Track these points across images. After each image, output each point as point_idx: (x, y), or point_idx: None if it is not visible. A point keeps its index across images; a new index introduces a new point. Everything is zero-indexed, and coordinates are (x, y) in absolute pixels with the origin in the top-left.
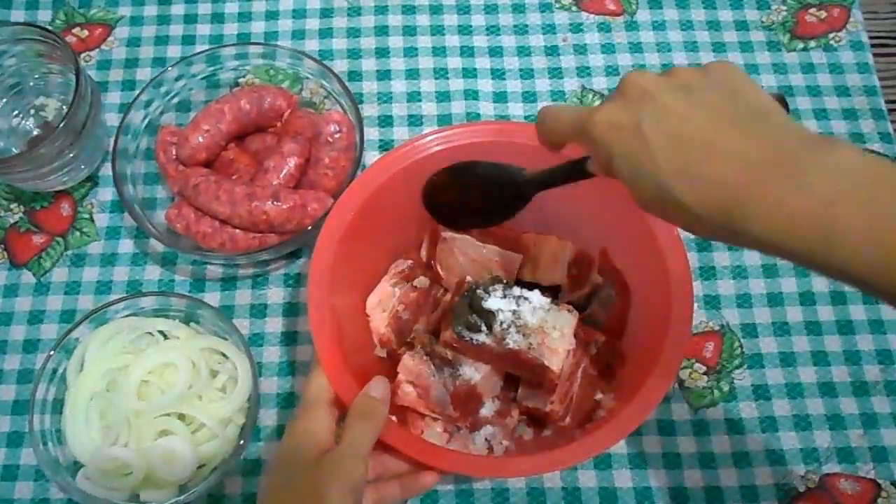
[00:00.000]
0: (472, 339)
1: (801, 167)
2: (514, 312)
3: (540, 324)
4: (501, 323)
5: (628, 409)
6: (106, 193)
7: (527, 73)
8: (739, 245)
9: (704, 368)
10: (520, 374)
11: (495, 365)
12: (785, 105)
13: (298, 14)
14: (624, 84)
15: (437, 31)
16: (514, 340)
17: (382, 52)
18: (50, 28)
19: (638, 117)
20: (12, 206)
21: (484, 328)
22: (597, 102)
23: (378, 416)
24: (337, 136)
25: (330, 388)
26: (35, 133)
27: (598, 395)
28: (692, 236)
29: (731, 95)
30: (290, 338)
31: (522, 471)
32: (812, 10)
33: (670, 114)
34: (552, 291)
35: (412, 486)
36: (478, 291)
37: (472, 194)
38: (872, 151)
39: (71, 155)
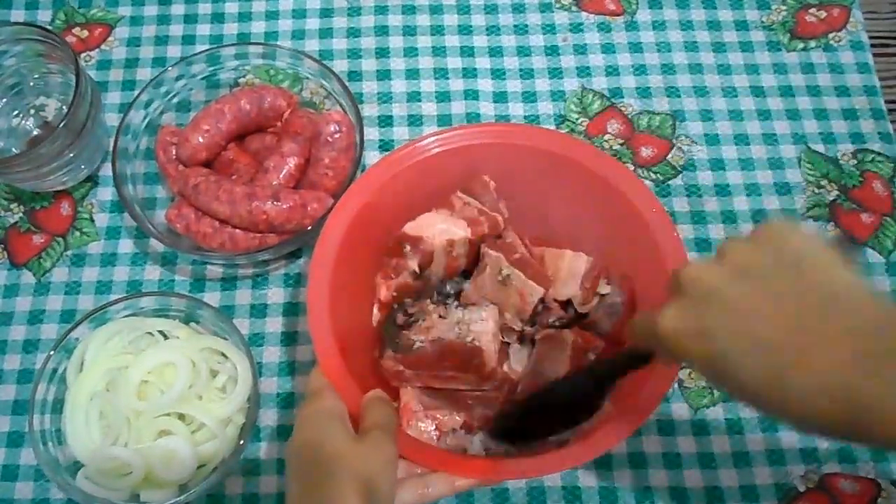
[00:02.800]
0: (410, 347)
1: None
2: (439, 315)
3: (463, 316)
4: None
5: (628, 411)
6: (106, 193)
7: (527, 73)
8: (866, 445)
9: None
10: (460, 369)
11: (436, 371)
12: (847, 244)
13: (298, 14)
14: (682, 282)
15: (437, 31)
16: (442, 332)
17: (382, 52)
18: (50, 28)
19: (707, 323)
20: (12, 206)
21: (416, 339)
22: (597, 103)
23: (391, 403)
24: (337, 136)
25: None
26: (35, 133)
27: None
28: (691, 235)
29: (796, 274)
30: (290, 338)
31: (521, 473)
32: (812, 10)
33: (738, 314)
34: (565, 303)
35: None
36: (398, 313)
37: (551, 421)
38: (872, 152)
39: (71, 155)
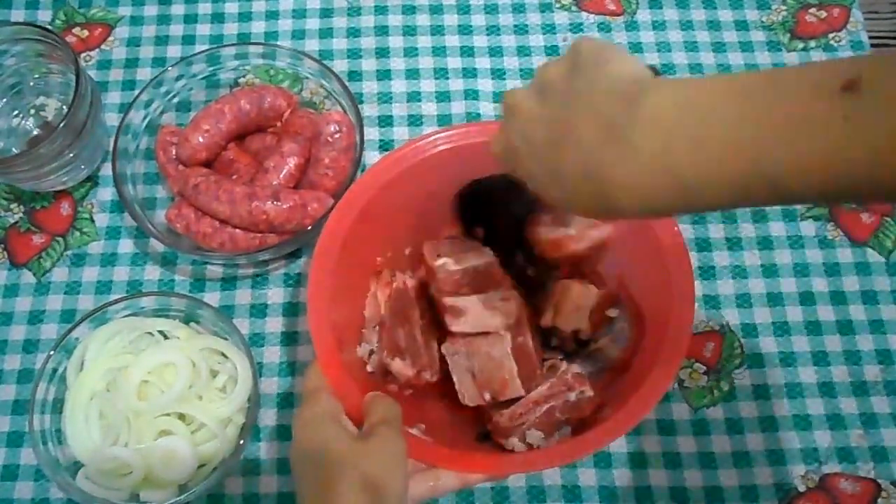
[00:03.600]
0: None
1: (623, 134)
2: None
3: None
4: None
5: (627, 407)
6: (106, 193)
7: (527, 73)
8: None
9: (704, 368)
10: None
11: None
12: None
13: (298, 14)
14: (502, 107)
15: (437, 31)
16: None
17: (382, 52)
18: (50, 28)
19: (510, 139)
20: (12, 206)
21: None
22: None
23: (395, 400)
24: (337, 136)
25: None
26: (35, 133)
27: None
28: (691, 236)
29: (576, 76)
30: (290, 338)
31: (518, 467)
32: (812, 10)
33: (527, 122)
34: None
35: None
36: None
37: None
38: None
39: (71, 155)
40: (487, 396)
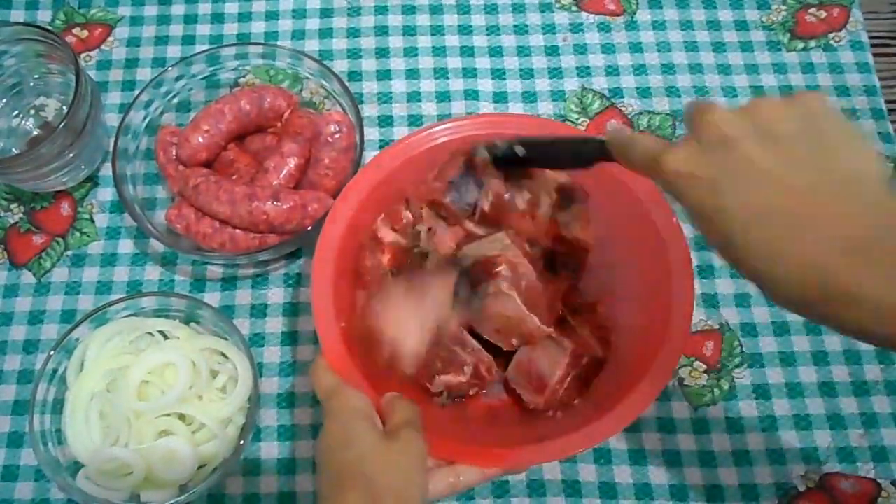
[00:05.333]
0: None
1: (876, 259)
2: None
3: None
4: None
5: (625, 404)
6: (106, 193)
7: (527, 73)
8: (834, 329)
9: (704, 367)
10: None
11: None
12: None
13: (298, 14)
14: (701, 123)
15: (437, 31)
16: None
17: (382, 52)
18: (50, 28)
19: (715, 172)
20: (12, 206)
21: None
22: (597, 103)
23: (412, 401)
24: (337, 136)
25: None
26: (35, 133)
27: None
28: (690, 235)
29: (824, 150)
30: (290, 338)
31: (537, 458)
32: (812, 10)
33: (753, 173)
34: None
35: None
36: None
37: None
38: None
39: (71, 155)
40: (515, 342)
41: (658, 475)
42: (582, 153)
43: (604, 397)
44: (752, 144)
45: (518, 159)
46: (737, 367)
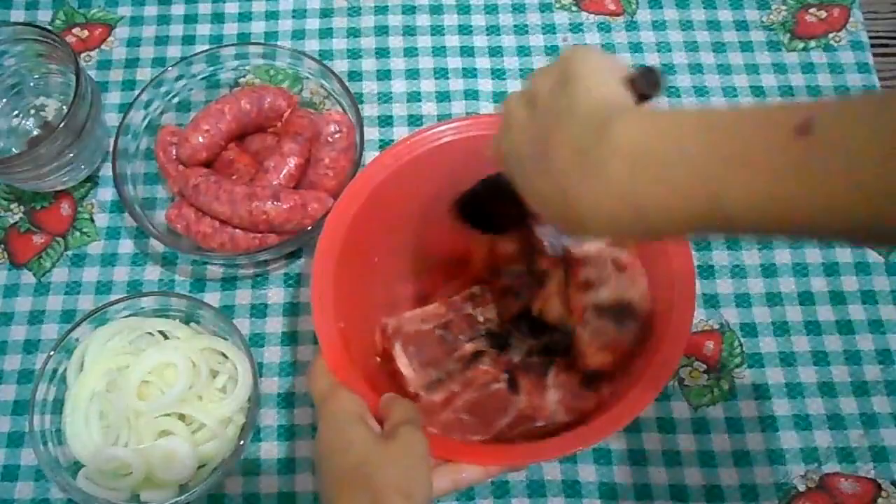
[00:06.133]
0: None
1: (593, 160)
2: None
3: None
4: None
5: (625, 404)
6: (106, 193)
7: (527, 73)
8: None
9: (704, 367)
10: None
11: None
12: (650, 78)
13: (298, 14)
14: (501, 110)
15: (437, 31)
16: None
17: (382, 52)
18: (50, 28)
19: (502, 145)
20: (12, 206)
21: None
22: None
23: (411, 401)
24: (337, 136)
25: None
26: (35, 133)
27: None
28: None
29: (562, 92)
30: (290, 338)
31: (539, 456)
32: (812, 10)
33: (516, 132)
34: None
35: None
36: None
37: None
38: None
39: (71, 155)
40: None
41: (658, 475)
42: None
43: (604, 396)
44: (517, 110)
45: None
46: (737, 367)
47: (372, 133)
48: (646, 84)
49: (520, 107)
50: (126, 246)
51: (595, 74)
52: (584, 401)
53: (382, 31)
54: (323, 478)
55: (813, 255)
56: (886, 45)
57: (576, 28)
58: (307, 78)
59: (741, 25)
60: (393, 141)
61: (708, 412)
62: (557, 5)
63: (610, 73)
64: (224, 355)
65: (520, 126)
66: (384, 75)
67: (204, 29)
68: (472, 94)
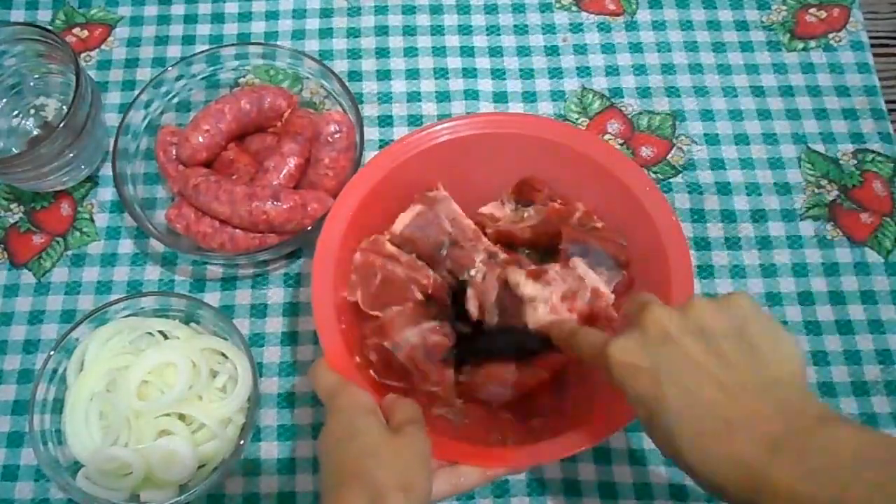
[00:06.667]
0: None
1: (809, 448)
2: None
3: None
4: None
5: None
6: (106, 193)
7: (527, 73)
8: None
9: None
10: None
11: None
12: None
13: (298, 14)
14: (644, 319)
15: (437, 31)
16: None
17: (382, 52)
18: (50, 28)
19: (656, 363)
20: (12, 206)
21: None
22: (597, 103)
23: (413, 401)
24: (337, 136)
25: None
26: (35, 133)
27: None
28: (690, 234)
29: (752, 351)
30: (290, 338)
31: (540, 458)
32: (812, 10)
33: (690, 366)
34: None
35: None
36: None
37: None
38: (872, 152)
39: (71, 155)
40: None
41: (658, 475)
42: (526, 345)
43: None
44: (689, 340)
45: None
46: None
47: (372, 133)
48: None
49: (682, 331)
50: (126, 246)
51: (786, 351)
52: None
53: (382, 31)
54: (325, 468)
55: (813, 255)
56: (886, 45)
57: (576, 28)
58: (307, 78)
59: (741, 25)
60: (393, 141)
61: None
62: (557, 5)
63: (790, 350)
64: (224, 355)
65: (688, 357)
66: (384, 75)
67: (204, 29)
68: (472, 94)
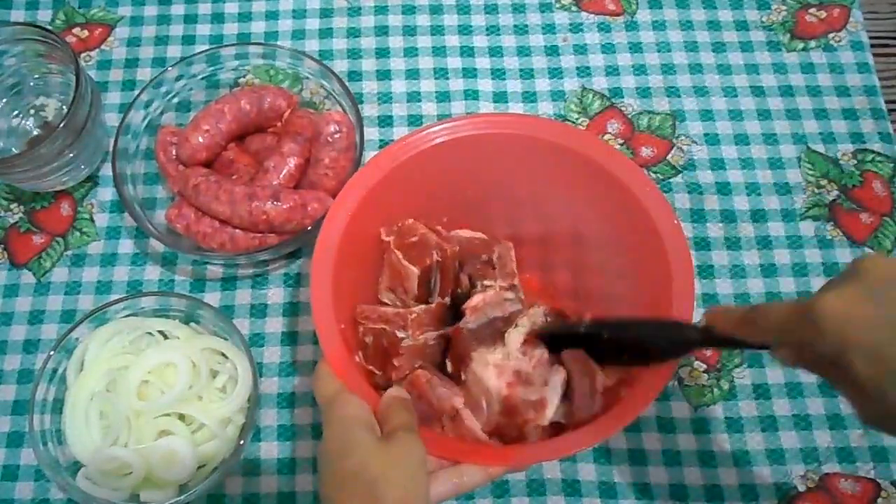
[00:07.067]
0: None
1: None
2: None
3: None
4: None
5: (624, 404)
6: (106, 193)
7: (527, 73)
8: None
9: (704, 367)
10: None
11: None
12: None
13: (298, 14)
14: (862, 268)
15: (437, 31)
16: None
17: (382, 52)
18: (50, 28)
19: (887, 309)
20: (12, 206)
21: None
22: (597, 103)
23: (408, 398)
24: (337, 136)
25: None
26: (35, 133)
27: None
28: (690, 234)
29: None
30: (290, 338)
31: (543, 456)
32: (812, 10)
33: None
34: None
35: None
36: None
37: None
38: (872, 152)
39: (71, 155)
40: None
41: (658, 475)
42: (676, 340)
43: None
44: None
45: (600, 342)
46: (737, 367)
47: (372, 133)
48: None
49: None
50: (126, 246)
51: None
52: None
53: (382, 31)
54: (324, 480)
55: (813, 255)
56: (886, 45)
57: (576, 28)
58: (307, 78)
59: (741, 25)
60: (393, 141)
61: (708, 412)
62: (557, 5)
63: None
64: (224, 355)
65: None
66: (384, 75)
67: (204, 29)
68: (472, 94)
